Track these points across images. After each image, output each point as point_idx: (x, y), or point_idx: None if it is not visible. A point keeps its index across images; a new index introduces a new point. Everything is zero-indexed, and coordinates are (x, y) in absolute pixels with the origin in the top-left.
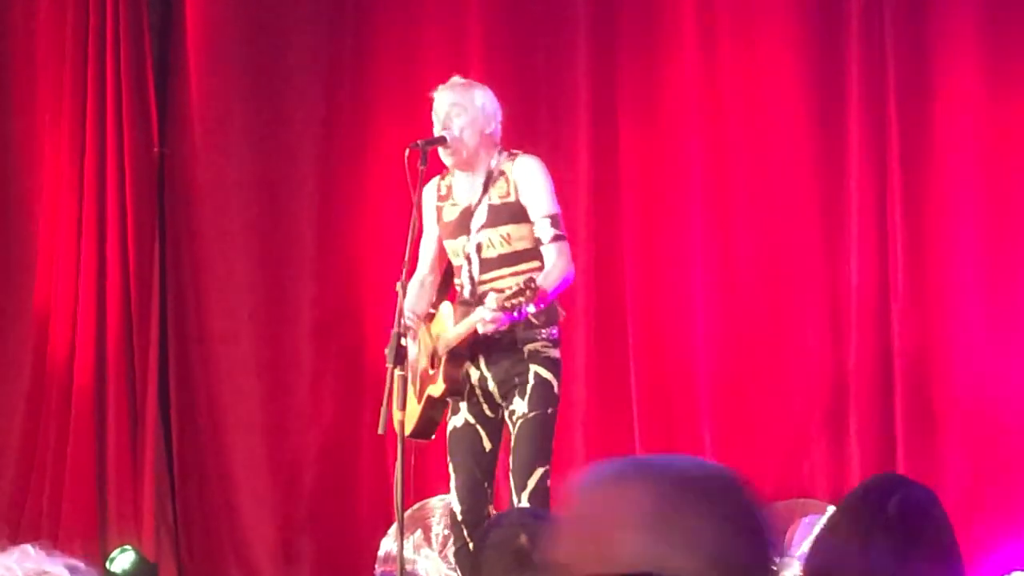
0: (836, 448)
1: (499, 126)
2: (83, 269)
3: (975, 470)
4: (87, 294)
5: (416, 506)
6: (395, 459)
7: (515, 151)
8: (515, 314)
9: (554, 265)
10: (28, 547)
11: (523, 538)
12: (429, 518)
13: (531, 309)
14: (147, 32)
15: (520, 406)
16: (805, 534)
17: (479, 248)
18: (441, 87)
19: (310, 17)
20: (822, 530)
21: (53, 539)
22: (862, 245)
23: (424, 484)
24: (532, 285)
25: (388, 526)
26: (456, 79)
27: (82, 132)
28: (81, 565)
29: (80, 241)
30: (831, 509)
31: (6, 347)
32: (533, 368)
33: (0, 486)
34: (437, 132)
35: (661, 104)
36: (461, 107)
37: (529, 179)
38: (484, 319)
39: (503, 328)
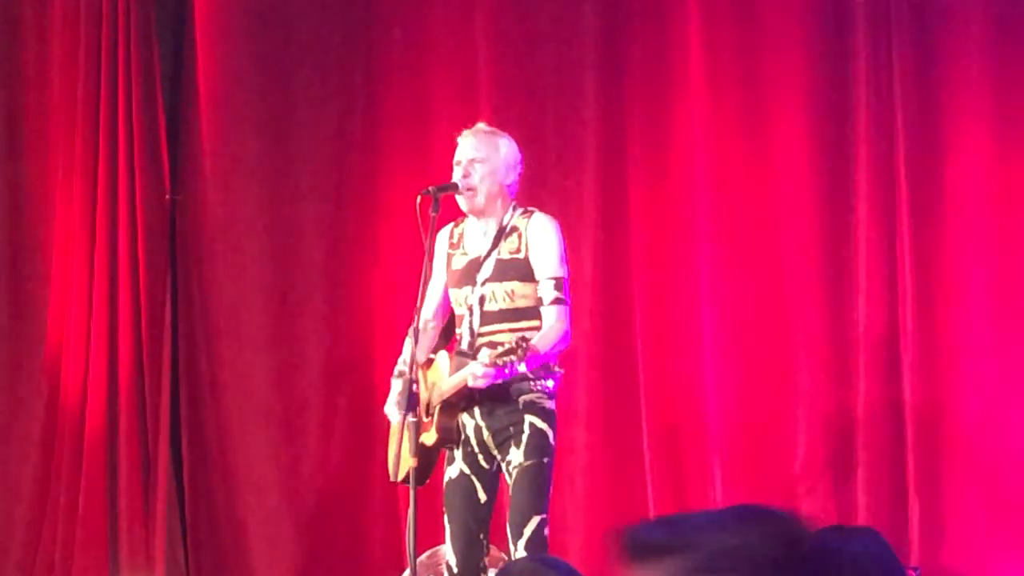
0: (844, 492)
1: (518, 177)
2: (95, 315)
3: (986, 510)
4: (99, 341)
5: (428, 552)
6: (406, 505)
7: (531, 208)
8: (506, 371)
9: (551, 328)
10: None
11: None
12: (440, 565)
13: (522, 368)
14: (159, 79)
15: (516, 456)
16: None
17: (482, 300)
18: (466, 132)
19: (321, 61)
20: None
21: None
22: (871, 291)
23: (436, 531)
24: (524, 344)
25: (400, 571)
26: (481, 126)
27: (94, 180)
28: None
29: (92, 288)
30: None
31: (19, 393)
32: (528, 419)
33: (12, 531)
34: (456, 176)
35: (668, 148)
36: (484, 158)
37: (541, 238)
38: (475, 374)
39: (494, 384)
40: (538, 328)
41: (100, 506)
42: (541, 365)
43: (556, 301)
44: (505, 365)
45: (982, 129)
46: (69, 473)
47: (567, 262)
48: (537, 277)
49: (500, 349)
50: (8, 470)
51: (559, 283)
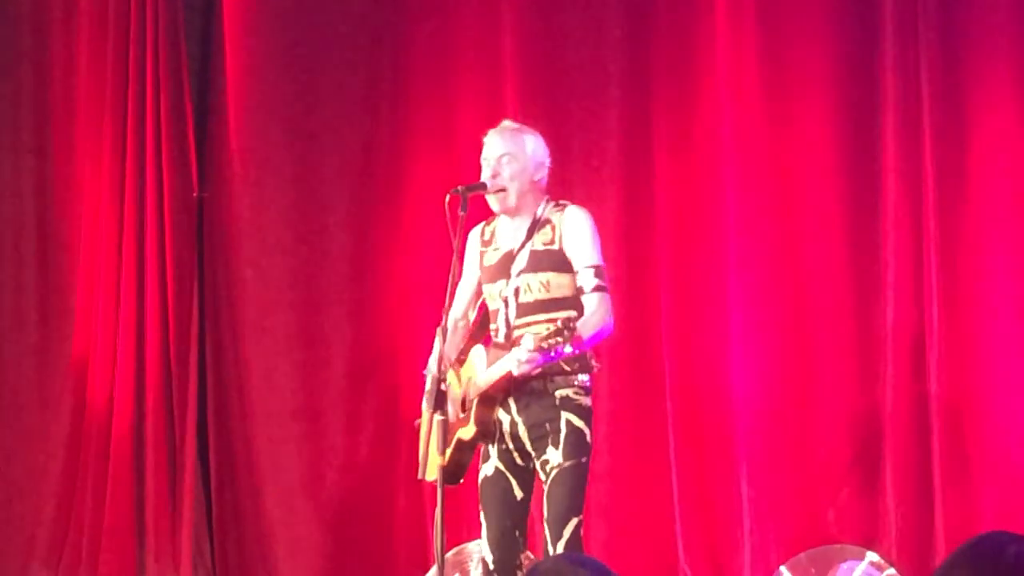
0: (871, 493)
1: (547, 172)
2: (122, 314)
3: (1015, 513)
4: (126, 339)
5: (454, 550)
6: (431, 503)
7: (564, 201)
8: (551, 354)
9: (593, 313)
10: None
11: None
12: (467, 562)
13: (568, 350)
14: (186, 77)
15: (554, 456)
16: None
17: (517, 292)
18: (492, 132)
19: (348, 59)
20: None
21: None
22: (898, 285)
23: (461, 528)
24: (571, 325)
25: (425, 570)
26: (507, 123)
27: (121, 177)
28: None
29: (119, 286)
30: (869, 554)
31: (46, 392)
32: (565, 415)
33: (39, 531)
34: (485, 176)
35: (694, 142)
36: (512, 155)
37: (576, 229)
38: (520, 359)
39: (537, 371)
40: (577, 319)
41: (127, 503)
42: (581, 355)
43: (597, 288)
44: (551, 348)
45: (1010, 126)
46: (96, 471)
47: (602, 252)
48: (575, 267)
49: (545, 332)
50: (36, 468)
51: (598, 271)
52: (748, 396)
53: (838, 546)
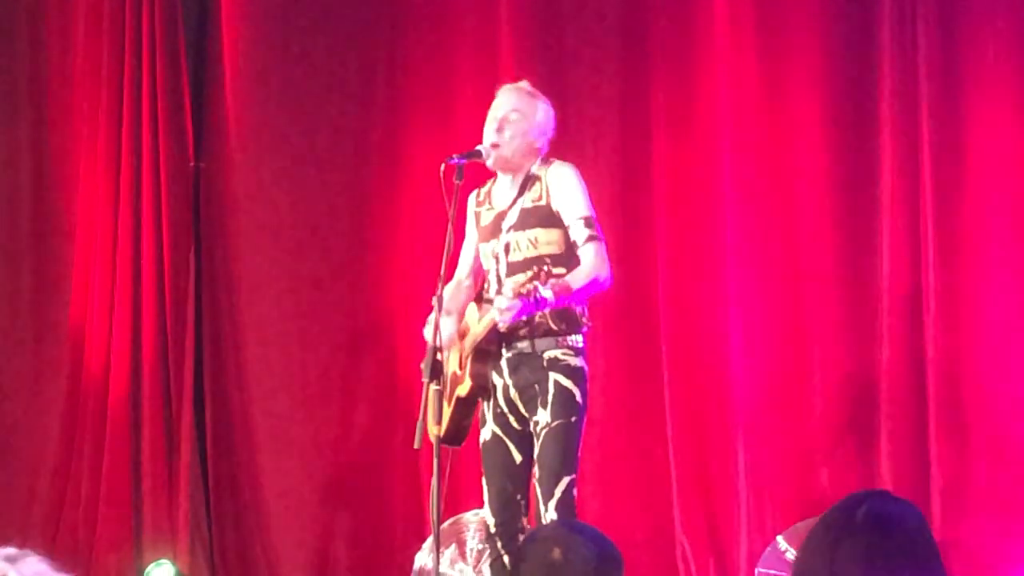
0: (866, 457)
1: (548, 143)
2: (119, 283)
3: (1010, 478)
4: (123, 308)
5: (450, 520)
6: (428, 473)
7: (551, 158)
8: (531, 300)
9: (587, 263)
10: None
11: (557, 552)
12: (463, 532)
13: (547, 295)
14: (183, 47)
15: (543, 416)
16: None
17: (507, 249)
18: (507, 87)
19: (345, 28)
20: (803, 542)
21: (88, 552)
22: (893, 250)
23: (458, 499)
24: (543, 268)
25: (422, 540)
26: (524, 84)
27: (118, 146)
28: None
29: (116, 255)
30: None
31: (42, 361)
32: (553, 376)
33: (36, 498)
34: (489, 129)
35: (692, 120)
36: (521, 113)
37: (562, 183)
38: (500, 307)
39: (520, 320)
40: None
41: (124, 472)
42: (571, 314)
43: (590, 239)
44: (529, 294)
45: (1005, 91)
46: (93, 439)
47: (593, 203)
48: (566, 221)
49: (524, 279)
50: (33, 436)
51: (588, 221)
52: (744, 364)
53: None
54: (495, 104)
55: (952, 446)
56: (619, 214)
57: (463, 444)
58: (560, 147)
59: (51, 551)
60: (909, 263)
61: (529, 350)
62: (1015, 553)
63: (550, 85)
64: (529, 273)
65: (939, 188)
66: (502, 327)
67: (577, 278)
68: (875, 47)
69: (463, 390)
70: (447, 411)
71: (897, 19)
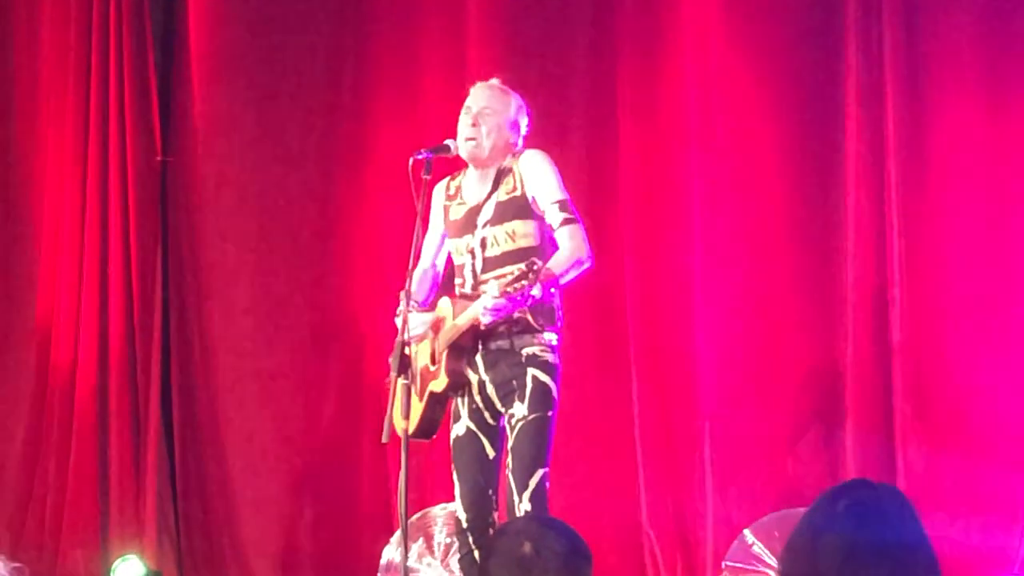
0: (832, 448)
1: (521, 140)
2: (86, 278)
3: (974, 469)
4: (90, 303)
5: (418, 515)
6: (396, 467)
7: (520, 149)
8: (518, 298)
9: (565, 248)
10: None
11: (527, 546)
12: (431, 527)
13: (536, 292)
14: (150, 41)
15: (519, 409)
16: None
17: (484, 244)
18: (481, 84)
19: (311, 24)
20: (787, 540)
21: (55, 548)
22: (859, 242)
23: (425, 493)
24: (534, 267)
25: (389, 535)
26: (495, 81)
27: (85, 141)
28: None
29: (83, 250)
30: None
31: (9, 357)
32: (531, 371)
33: (3, 495)
34: (464, 125)
35: (658, 110)
36: (494, 110)
37: (534, 169)
38: (486, 306)
39: (503, 318)
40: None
41: (91, 469)
42: (549, 309)
43: (566, 221)
44: (517, 292)
45: (969, 85)
46: (59, 435)
47: (566, 187)
48: (541, 206)
49: (510, 277)
50: (0, 433)
51: (563, 204)
52: (711, 357)
53: (801, 508)
54: (468, 101)
55: (917, 438)
56: (585, 208)
57: (433, 438)
58: (526, 141)
59: (17, 546)
60: (874, 257)
61: (508, 347)
62: (979, 542)
63: (517, 78)
64: (511, 268)
65: (904, 183)
66: (484, 325)
67: (559, 263)
68: (841, 40)
69: (437, 386)
70: (418, 406)
71: (863, 11)
